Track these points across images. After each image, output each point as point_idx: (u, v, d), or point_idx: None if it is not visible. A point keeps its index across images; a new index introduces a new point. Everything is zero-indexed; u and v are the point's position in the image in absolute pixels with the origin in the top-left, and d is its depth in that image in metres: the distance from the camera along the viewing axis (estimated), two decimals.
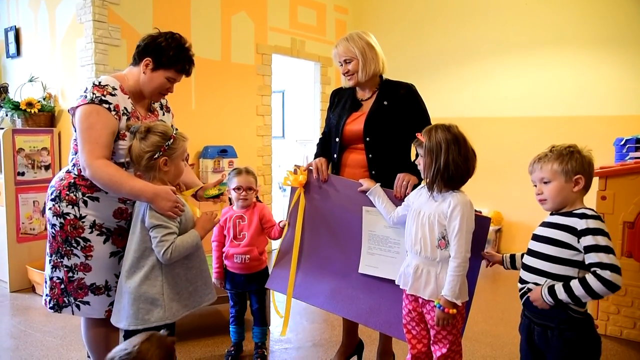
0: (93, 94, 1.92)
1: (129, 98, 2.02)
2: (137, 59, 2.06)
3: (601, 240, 1.58)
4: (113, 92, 1.95)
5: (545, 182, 1.70)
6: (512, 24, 5.01)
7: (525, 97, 4.98)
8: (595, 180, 3.14)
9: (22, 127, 4.06)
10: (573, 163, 1.65)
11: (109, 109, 1.92)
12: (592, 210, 1.65)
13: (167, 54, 2.01)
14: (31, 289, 3.92)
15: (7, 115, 4.20)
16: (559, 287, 1.62)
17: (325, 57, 5.70)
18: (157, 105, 2.20)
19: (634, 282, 3.03)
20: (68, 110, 2.01)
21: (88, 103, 1.90)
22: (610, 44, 4.53)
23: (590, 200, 2.64)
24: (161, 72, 2.02)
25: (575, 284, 1.59)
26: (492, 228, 4.95)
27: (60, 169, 2.14)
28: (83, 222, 1.96)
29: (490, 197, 5.08)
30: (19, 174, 3.91)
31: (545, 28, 4.83)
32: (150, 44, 2.02)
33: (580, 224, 1.61)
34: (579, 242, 1.61)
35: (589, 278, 1.58)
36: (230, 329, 2.80)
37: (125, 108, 1.98)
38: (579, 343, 1.64)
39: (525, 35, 4.94)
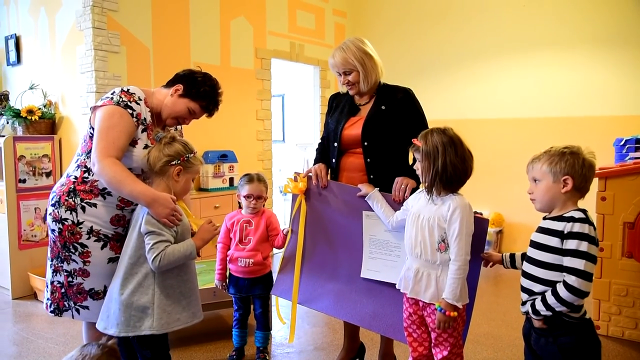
0: (120, 97, 2.00)
1: (149, 111, 2.09)
2: (170, 84, 2.16)
3: (582, 246, 1.57)
4: (138, 102, 2.04)
5: (536, 182, 1.72)
6: (511, 25, 5.02)
7: (524, 98, 4.99)
8: (595, 181, 3.13)
9: (23, 135, 4.07)
10: (562, 164, 1.64)
11: (131, 114, 1.98)
12: (584, 213, 1.63)
13: (199, 88, 2.12)
14: (33, 295, 3.93)
15: (7, 122, 4.22)
16: (538, 302, 1.63)
17: (325, 61, 5.71)
18: (172, 130, 2.25)
19: (636, 282, 3.03)
20: (90, 109, 2.06)
21: (114, 105, 1.97)
22: (608, 44, 4.53)
23: (591, 201, 2.64)
24: (186, 100, 2.11)
25: (548, 294, 1.61)
26: (493, 230, 4.96)
27: (61, 176, 2.16)
28: (80, 228, 1.98)
29: (491, 199, 5.09)
30: (20, 181, 3.92)
31: (543, 29, 4.84)
32: (188, 75, 2.14)
33: (566, 228, 1.61)
34: (563, 245, 1.61)
35: (558, 286, 1.59)
36: (233, 332, 2.81)
37: (144, 119, 2.05)
38: (576, 348, 1.63)
39: (523, 37, 4.95)
